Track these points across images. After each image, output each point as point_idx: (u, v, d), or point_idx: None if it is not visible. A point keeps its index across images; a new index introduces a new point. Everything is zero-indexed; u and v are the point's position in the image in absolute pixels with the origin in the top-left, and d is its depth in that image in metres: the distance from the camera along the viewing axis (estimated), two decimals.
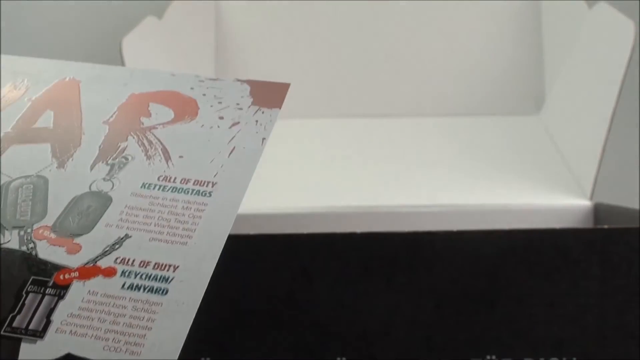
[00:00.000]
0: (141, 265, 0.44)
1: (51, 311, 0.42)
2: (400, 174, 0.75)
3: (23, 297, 0.43)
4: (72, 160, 0.49)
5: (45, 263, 0.44)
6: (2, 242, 0.46)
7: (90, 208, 0.46)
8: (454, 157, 0.78)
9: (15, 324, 0.42)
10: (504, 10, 0.87)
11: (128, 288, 0.43)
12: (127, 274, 0.43)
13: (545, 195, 0.72)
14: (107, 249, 0.45)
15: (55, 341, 0.41)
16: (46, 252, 0.45)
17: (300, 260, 0.47)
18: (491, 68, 0.86)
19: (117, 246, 0.44)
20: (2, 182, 0.49)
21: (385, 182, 0.74)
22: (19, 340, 0.41)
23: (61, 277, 0.44)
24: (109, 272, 0.43)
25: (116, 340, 0.41)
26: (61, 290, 0.43)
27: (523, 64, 0.87)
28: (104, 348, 0.40)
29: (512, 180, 0.74)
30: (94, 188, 0.48)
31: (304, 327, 0.48)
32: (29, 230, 0.46)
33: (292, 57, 0.93)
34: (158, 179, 0.48)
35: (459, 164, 0.77)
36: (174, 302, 0.42)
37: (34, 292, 0.43)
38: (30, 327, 0.42)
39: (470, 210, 0.67)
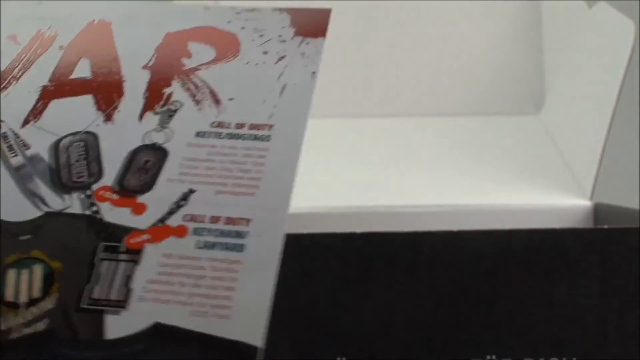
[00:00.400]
0: (212, 221, 0.43)
1: (129, 278, 0.41)
2: (399, 174, 0.74)
3: (96, 266, 0.42)
4: (119, 111, 0.47)
5: (112, 226, 0.43)
6: (63, 207, 0.44)
7: (148, 163, 0.45)
8: (454, 157, 0.77)
9: (95, 295, 0.41)
10: (504, 10, 0.85)
11: (203, 247, 0.42)
12: (199, 231, 0.42)
13: (545, 195, 0.71)
14: (173, 206, 0.43)
15: (140, 310, 0.40)
16: (111, 214, 0.44)
17: (300, 260, 0.47)
18: (491, 68, 0.84)
19: (183, 202, 0.43)
20: (49, 141, 0.47)
21: (385, 182, 0.73)
22: (100, 313, 0.40)
23: (132, 240, 0.43)
24: (181, 232, 0.43)
25: (201, 304, 0.40)
26: (135, 254, 0.42)
27: (523, 64, 0.85)
28: (190, 314, 0.40)
29: (512, 180, 0.73)
30: (147, 141, 0.46)
31: (304, 327, 0.48)
32: (88, 192, 0.44)
33: None
34: (211, 125, 0.46)
35: (459, 164, 0.76)
36: (253, 259, 0.41)
37: (107, 259, 0.42)
38: (112, 297, 0.41)
39: (470, 210, 0.66)
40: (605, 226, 0.53)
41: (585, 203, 0.68)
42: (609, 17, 0.73)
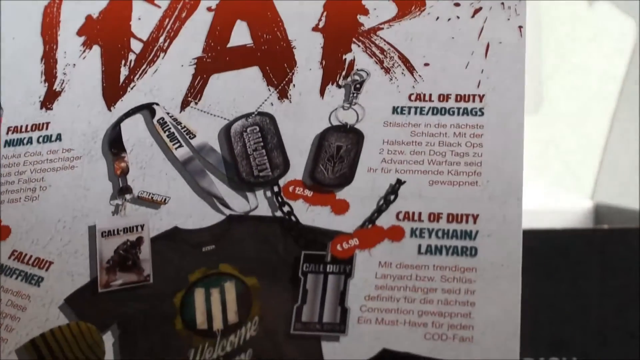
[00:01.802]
0: (431, 219, 0.35)
1: (343, 295, 0.34)
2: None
3: (302, 281, 0.35)
4: (294, 86, 0.40)
5: (312, 231, 0.36)
6: (249, 209, 0.37)
7: (341, 149, 0.38)
8: None
9: (305, 318, 0.34)
10: None
11: (426, 252, 0.35)
12: (417, 232, 0.35)
13: (545, 195, 0.73)
14: (381, 202, 0.36)
15: (362, 334, 0.34)
16: (307, 215, 0.37)
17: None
18: None
19: (392, 197, 0.36)
20: (216, 127, 0.40)
21: None
22: (314, 339, 0.34)
23: (338, 247, 0.35)
24: (396, 234, 0.35)
25: (436, 325, 0.33)
26: (345, 264, 0.35)
27: None
28: (425, 336, 0.33)
29: None
30: (334, 121, 0.38)
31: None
32: (276, 189, 0.37)
33: None
34: (409, 98, 0.38)
35: None
36: (489, 264, 0.34)
37: (312, 272, 0.35)
38: (325, 319, 0.34)
39: None
40: (605, 226, 0.55)
41: (585, 203, 0.70)
42: (609, 17, 0.74)
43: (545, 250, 0.49)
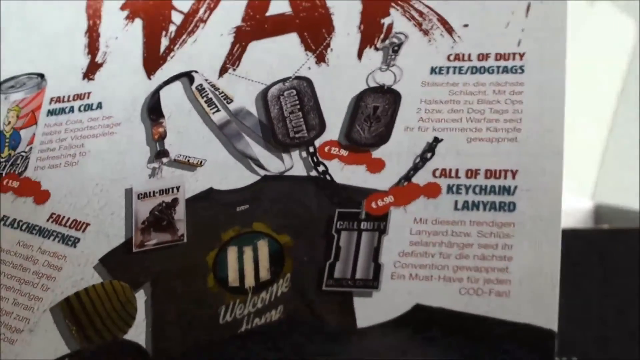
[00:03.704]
0: (469, 175, 0.34)
1: (376, 251, 0.33)
2: None
3: (335, 238, 0.34)
4: (332, 50, 0.39)
5: (347, 189, 0.35)
6: (284, 169, 0.37)
7: (378, 109, 0.37)
8: None
9: (337, 274, 0.33)
10: None
11: (463, 208, 0.34)
12: (454, 189, 0.34)
13: None
14: (417, 160, 0.35)
15: (395, 290, 0.33)
16: (342, 174, 0.36)
17: None
18: None
19: (428, 154, 0.35)
20: (253, 92, 0.39)
21: None
22: (346, 296, 0.33)
23: (373, 204, 0.35)
24: (432, 191, 0.34)
25: (472, 280, 0.32)
26: (379, 222, 0.34)
27: None
28: (460, 291, 0.32)
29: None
30: (372, 83, 0.38)
31: None
32: (311, 149, 0.36)
33: None
34: (448, 58, 0.37)
35: None
36: (528, 219, 0.33)
37: (346, 229, 0.34)
38: (358, 276, 0.33)
39: None
40: (605, 226, 0.55)
41: (585, 203, 0.68)
42: (609, 17, 0.74)
43: None
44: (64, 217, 0.38)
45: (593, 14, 0.77)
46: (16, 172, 0.40)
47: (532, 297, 0.31)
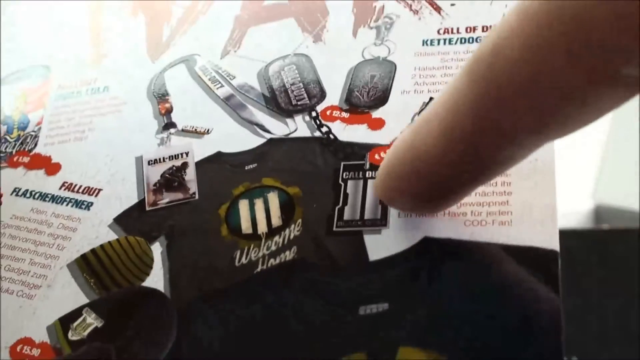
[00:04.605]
0: None
1: None
2: None
3: (342, 186, 0.36)
4: (327, 31, 0.42)
5: (351, 145, 0.37)
6: (288, 132, 0.39)
7: (375, 77, 0.39)
8: None
9: (346, 217, 0.35)
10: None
11: None
12: None
13: None
14: (415, 116, 0.38)
15: (403, 226, 0.34)
16: (345, 133, 0.38)
17: None
18: None
19: None
20: (255, 69, 0.42)
21: None
22: (357, 235, 0.34)
23: (376, 156, 0.37)
24: None
25: (476, 213, 0.34)
26: None
27: None
28: (465, 223, 0.34)
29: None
30: (368, 56, 0.40)
31: None
32: (314, 113, 0.39)
33: None
34: (438, 32, 0.40)
35: None
36: (525, 161, 0.35)
37: (352, 178, 0.36)
38: (366, 216, 0.35)
39: None
40: (605, 226, 0.56)
41: (585, 203, 0.69)
42: None
43: None
44: (76, 184, 0.39)
45: None
46: (26, 150, 0.41)
47: (533, 223, 0.33)
